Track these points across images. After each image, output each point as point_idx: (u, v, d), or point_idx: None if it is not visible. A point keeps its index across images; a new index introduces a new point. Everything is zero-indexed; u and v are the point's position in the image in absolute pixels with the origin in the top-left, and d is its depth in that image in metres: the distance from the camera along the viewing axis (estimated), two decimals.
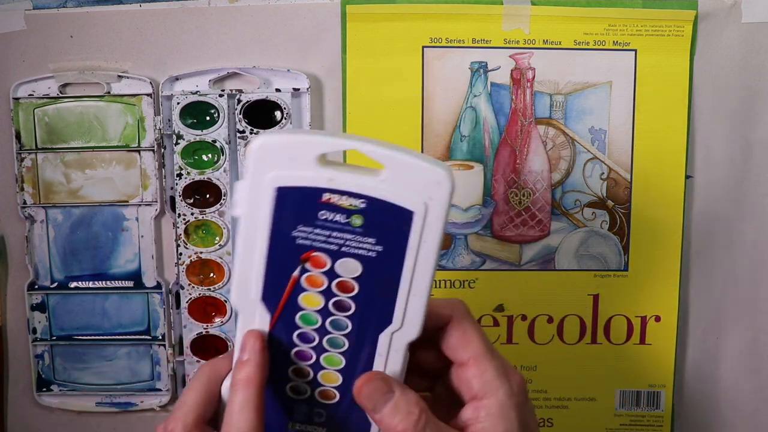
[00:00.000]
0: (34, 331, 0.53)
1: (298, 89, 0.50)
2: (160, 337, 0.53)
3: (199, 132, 0.50)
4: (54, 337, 0.53)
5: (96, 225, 0.52)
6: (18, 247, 0.53)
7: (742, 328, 0.53)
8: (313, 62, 0.50)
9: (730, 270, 0.53)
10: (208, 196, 0.51)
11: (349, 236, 0.30)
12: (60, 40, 0.50)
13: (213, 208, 0.50)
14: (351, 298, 0.31)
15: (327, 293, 0.31)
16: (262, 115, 0.50)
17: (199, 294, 0.51)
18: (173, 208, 0.51)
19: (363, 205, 0.30)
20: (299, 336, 0.32)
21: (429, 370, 0.35)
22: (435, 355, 0.34)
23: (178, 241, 0.51)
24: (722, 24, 0.49)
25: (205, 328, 0.52)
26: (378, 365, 0.32)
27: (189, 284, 0.51)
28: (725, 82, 0.50)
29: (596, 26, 0.49)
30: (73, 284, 0.53)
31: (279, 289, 0.31)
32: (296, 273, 0.31)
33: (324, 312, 0.31)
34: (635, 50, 0.49)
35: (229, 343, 0.52)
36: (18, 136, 0.51)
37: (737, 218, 0.52)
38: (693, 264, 0.52)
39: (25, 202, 0.51)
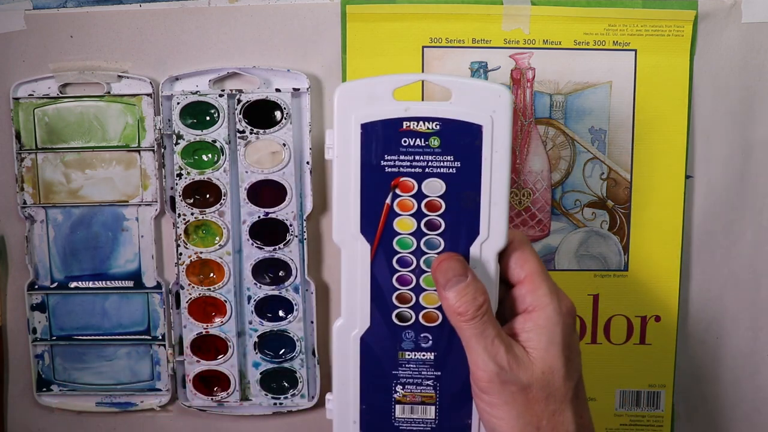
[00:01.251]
0: (34, 331, 0.53)
1: (298, 89, 0.50)
2: (160, 337, 0.53)
3: (199, 132, 0.50)
4: (54, 337, 0.53)
5: (96, 225, 0.52)
6: (18, 247, 0.53)
7: (742, 328, 0.53)
8: (313, 62, 0.50)
9: (730, 270, 0.53)
10: (208, 196, 0.51)
11: (429, 157, 0.34)
12: (60, 40, 0.50)
13: (213, 208, 0.50)
14: (439, 216, 0.34)
15: (418, 215, 0.34)
16: (262, 115, 0.50)
17: (199, 294, 0.51)
18: (173, 208, 0.51)
19: (438, 127, 0.34)
20: (398, 261, 0.35)
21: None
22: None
23: (178, 241, 0.51)
24: (722, 24, 0.49)
25: (205, 328, 0.52)
26: None
27: (189, 284, 0.51)
28: (725, 82, 0.50)
29: (596, 26, 0.49)
30: (73, 284, 0.53)
31: (375, 219, 0.34)
32: (388, 200, 0.34)
33: (417, 233, 0.35)
34: (635, 50, 0.49)
35: (228, 343, 0.52)
36: (18, 136, 0.51)
37: (737, 218, 0.52)
38: (693, 264, 0.52)
39: (25, 202, 0.51)
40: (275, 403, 0.53)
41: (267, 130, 0.50)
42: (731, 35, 0.50)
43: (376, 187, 0.34)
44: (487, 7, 0.49)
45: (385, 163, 0.34)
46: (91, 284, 0.52)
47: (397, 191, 0.34)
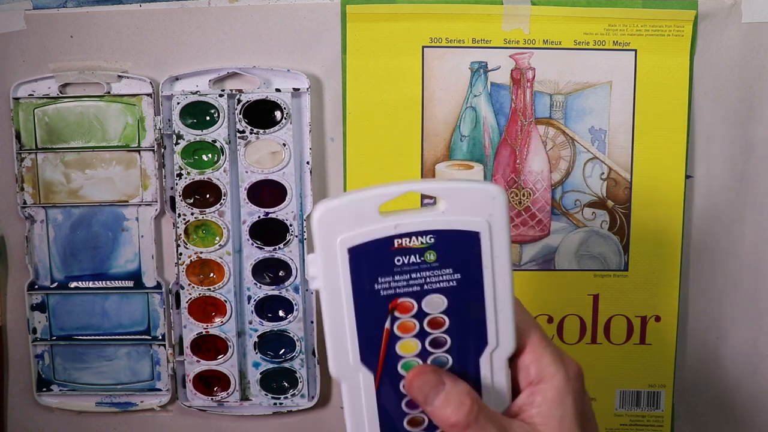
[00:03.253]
0: (34, 331, 0.53)
1: (298, 89, 0.50)
2: (160, 337, 0.53)
3: (199, 132, 0.50)
4: (54, 337, 0.53)
5: (96, 225, 0.52)
6: (18, 247, 0.53)
7: (742, 328, 0.53)
8: (313, 62, 0.50)
9: (730, 270, 0.53)
10: (208, 196, 0.51)
11: (427, 273, 0.31)
12: (60, 40, 0.50)
13: (213, 208, 0.50)
14: (444, 332, 0.32)
15: (421, 335, 0.32)
16: (262, 115, 0.50)
17: (199, 294, 0.51)
18: (173, 208, 0.51)
19: (433, 240, 0.31)
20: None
21: None
22: None
23: (178, 241, 0.51)
24: (722, 24, 0.49)
25: (205, 328, 0.52)
26: (486, 387, 0.32)
27: (189, 284, 0.51)
28: (725, 82, 0.50)
29: (596, 26, 0.49)
30: (73, 284, 0.53)
31: (376, 346, 0.32)
32: (387, 324, 0.31)
33: (423, 354, 0.32)
34: (635, 50, 0.49)
35: (228, 343, 0.52)
36: (18, 136, 0.51)
37: (737, 218, 0.52)
38: (693, 264, 0.52)
39: (25, 202, 0.51)
40: (275, 403, 0.53)
41: (267, 130, 0.50)
42: (731, 35, 0.50)
43: (372, 313, 0.31)
44: (487, 7, 0.49)
45: (379, 286, 0.31)
46: (91, 284, 0.52)
47: (396, 314, 0.31)
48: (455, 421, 0.31)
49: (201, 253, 0.51)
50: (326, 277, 0.31)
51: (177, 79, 0.50)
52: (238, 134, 0.50)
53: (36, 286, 0.53)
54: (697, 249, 0.52)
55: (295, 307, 0.51)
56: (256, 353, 0.52)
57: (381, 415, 0.32)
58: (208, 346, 0.52)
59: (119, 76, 0.50)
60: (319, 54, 0.50)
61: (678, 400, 0.54)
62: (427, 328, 0.32)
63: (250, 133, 0.50)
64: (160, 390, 0.53)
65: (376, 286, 0.31)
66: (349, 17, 0.49)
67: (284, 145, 0.50)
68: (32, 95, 0.50)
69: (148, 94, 0.50)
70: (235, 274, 0.51)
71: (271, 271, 0.52)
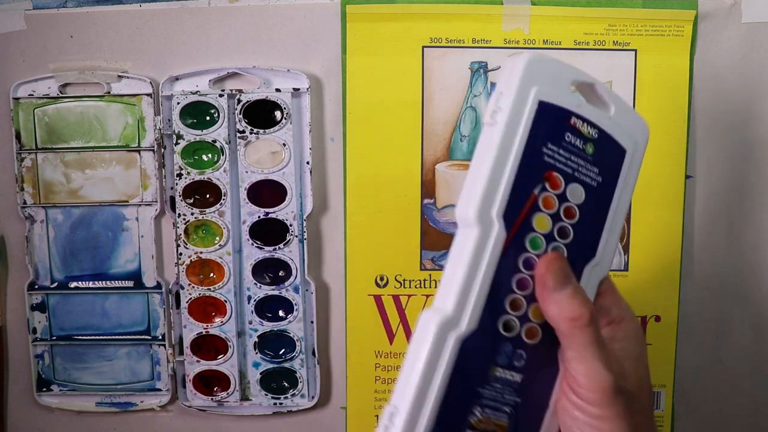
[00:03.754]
0: (34, 331, 0.53)
1: (298, 89, 0.50)
2: (160, 337, 0.53)
3: (199, 132, 0.50)
4: (54, 337, 0.53)
5: (96, 225, 0.52)
6: (18, 247, 0.53)
7: (742, 328, 0.53)
8: (313, 62, 0.50)
9: (730, 270, 0.53)
10: (208, 196, 0.51)
11: (582, 162, 0.32)
12: (60, 40, 0.50)
13: (213, 208, 0.50)
14: (572, 225, 0.32)
15: (555, 217, 0.32)
16: (262, 115, 0.50)
17: (199, 294, 0.51)
18: (173, 208, 0.51)
19: (596, 135, 0.32)
20: (524, 262, 0.31)
21: None
22: None
23: (178, 241, 0.51)
24: (722, 24, 0.49)
25: (205, 328, 0.52)
26: None
27: (189, 284, 0.51)
28: (725, 82, 0.50)
29: (596, 26, 0.49)
30: (73, 284, 0.53)
31: (519, 207, 0.31)
32: (536, 190, 0.31)
33: (549, 236, 0.32)
34: (635, 50, 0.49)
35: (228, 343, 0.52)
36: (18, 136, 0.51)
37: (737, 218, 0.52)
38: (693, 264, 0.52)
39: (25, 202, 0.51)
40: (275, 403, 0.53)
41: (267, 130, 0.50)
42: (731, 35, 0.50)
43: (530, 171, 0.31)
44: (487, 7, 0.49)
45: (546, 150, 0.31)
46: (91, 284, 0.52)
47: (547, 185, 0.31)
48: (580, 314, 0.30)
49: (201, 253, 0.51)
50: (511, 116, 0.30)
51: (177, 79, 0.50)
52: (238, 134, 0.50)
53: (36, 286, 0.53)
54: (697, 249, 0.52)
55: (295, 307, 0.51)
56: (256, 353, 0.52)
57: (495, 283, 0.30)
58: (208, 346, 0.52)
59: (119, 76, 0.50)
60: (319, 54, 0.50)
61: (678, 400, 0.54)
62: (562, 213, 0.32)
63: (250, 133, 0.50)
64: (160, 390, 0.53)
65: (544, 148, 0.31)
66: (349, 17, 0.49)
67: (284, 145, 0.50)
68: (32, 95, 0.50)
69: (148, 94, 0.50)
70: (235, 274, 0.51)
71: (271, 271, 0.52)
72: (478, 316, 0.30)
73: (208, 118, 0.50)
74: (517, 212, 0.31)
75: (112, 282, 0.52)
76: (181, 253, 0.51)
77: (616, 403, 0.30)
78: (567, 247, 0.32)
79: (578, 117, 0.32)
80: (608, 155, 0.33)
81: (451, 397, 0.29)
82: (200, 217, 0.51)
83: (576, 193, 0.32)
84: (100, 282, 0.53)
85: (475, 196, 0.30)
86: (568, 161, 0.32)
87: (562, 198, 0.32)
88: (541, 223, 0.31)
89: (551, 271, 0.31)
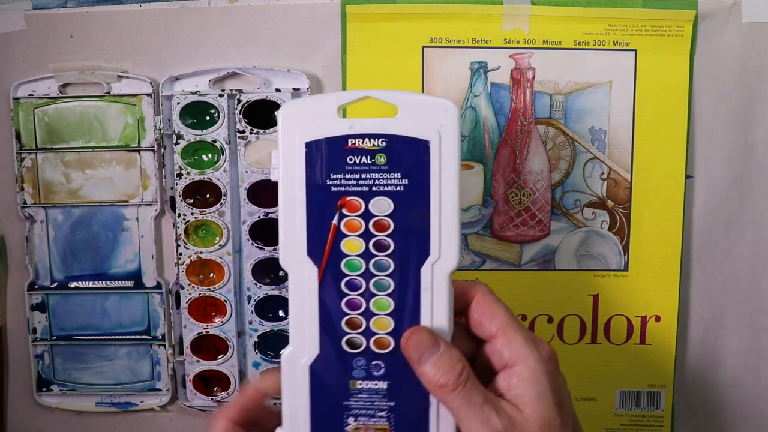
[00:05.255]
0: (34, 331, 0.53)
1: (298, 89, 0.50)
2: (160, 337, 0.53)
3: (199, 132, 0.50)
4: (54, 337, 0.53)
5: (96, 225, 0.52)
6: (18, 247, 0.53)
7: (742, 328, 0.53)
8: (313, 62, 0.50)
9: (730, 270, 0.53)
10: (208, 196, 0.51)
11: (376, 175, 0.33)
12: (60, 40, 0.50)
13: (213, 208, 0.50)
14: (388, 236, 0.33)
15: (366, 235, 0.33)
16: (262, 115, 0.50)
17: (199, 294, 0.51)
18: (173, 208, 0.51)
19: (384, 144, 0.33)
20: (347, 284, 0.34)
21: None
22: (467, 341, 0.35)
23: (178, 241, 0.51)
24: (722, 24, 0.49)
25: (205, 328, 0.52)
26: (425, 301, 0.33)
27: (189, 284, 0.51)
28: (725, 81, 0.50)
29: (596, 26, 0.49)
30: (73, 284, 0.53)
31: (322, 240, 0.33)
32: (335, 220, 0.33)
33: (366, 255, 0.33)
34: (635, 50, 0.49)
35: (228, 343, 0.52)
36: (18, 136, 0.51)
37: (737, 218, 0.52)
38: (693, 264, 0.52)
39: (25, 202, 0.51)
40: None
41: (267, 130, 0.50)
42: (731, 35, 0.50)
43: (322, 207, 0.33)
44: (487, 7, 0.49)
45: (330, 182, 0.33)
46: (91, 284, 0.52)
47: (344, 211, 0.33)
48: (444, 382, 0.32)
49: (201, 253, 0.51)
50: (284, 168, 0.33)
51: (177, 79, 0.50)
52: (238, 134, 0.50)
53: (36, 286, 0.53)
54: (697, 249, 0.52)
55: None
56: (256, 353, 0.52)
57: (321, 312, 0.34)
58: (208, 346, 0.52)
59: (119, 76, 0.50)
60: (319, 54, 0.50)
61: (678, 400, 0.54)
62: (372, 229, 0.33)
63: (250, 133, 0.50)
64: (160, 390, 0.53)
65: (327, 181, 0.33)
66: (349, 17, 0.49)
67: None
68: (32, 95, 0.50)
69: (148, 94, 0.50)
70: (235, 274, 0.51)
71: (271, 271, 0.52)
72: (317, 343, 0.34)
73: (208, 118, 0.50)
74: (323, 245, 0.33)
75: (112, 282, 0.52)
76: (181, 253, 0.51)
77: None
78: (391, 257, 0.33)
79: (355, 137, 0.33)
80: (407, 155, 0.33)
81: (319, 415, 0.34)
82: (200, 217, 0.51)
83: (381, 206, 0.33)
84: (100, 282, 0.53)
85: (281, 245, 0.33)
86: (359, 181, 0.33)
87: (367, 216, 0.33)
88: (352, 246, 0.33)
89: (411, 346, 0.33)
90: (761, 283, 0.53)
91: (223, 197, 0.50)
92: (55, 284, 0.53)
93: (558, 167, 0.51)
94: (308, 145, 0.33)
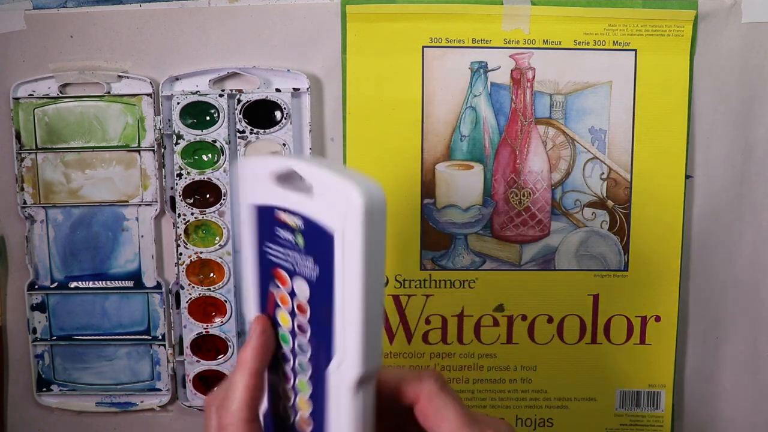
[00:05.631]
0: (34, 331, 0.53)
1: (298, 89, 0.50)
2: (160, 337, 0.53)
3: (199, 132, 0.50)
4: (54, 337, 0.53)
5: (96, 225, 0.52)
6: (18, 247, 0.53)
7: (742, 328, 0.53)
8: (313, 62, 0.50)
9: (730, 270, 0.53)
10: (208, 196, 0.51)
11: (297, 255, 0.29)
12: (60, 40, 0.50)
13: (213, 208, 0.50)
14: (308, 321, 0.29)
15: (292, 313, 0.30)
16: (262, 115, 0.50)
17: (199, 294, 0.51)
18: (173, 208, 0.51)
19: (302, 225, 0.28)
20: (282, 355, 0.31)
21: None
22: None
23: (178, 241, 0.51)
24: (722, 24, 0.49)
25: (205, 328, 0.52)
26: (330, 410, 0.29)
27: (189, 284, 0.51)
28: (725, 82, 0.50)
29: (596, 26, 0.49)
30: (73, 284, 0.53)
31: (266, 304, 0.32)
32: (272, 288, 0.31)
33: (292, 332, 0.30)
34: (635, 50, 0.49)
35: (228, 343, 0.52)
36: (18, 136, 0.51)
37: (737, 218, 0.52)
38: (693, 264, 0.52)
39: (25, 202, 0.51)
40: None
41: (267, 130, 0.50)
42: (731, 35, 0.50)
43: (263, 272, 0.31)
44: (487, 7, 0.49)
45: (267, 249, 0.30)
46: (91, 284, 0.52)
47: (277, 282, 0.30)
48: None
49: (201, 253, 0.51)
50: (239, 226, 0.32)
51: (177, 79, 0.50)
52: (238, 134, 0.50)
53: (36, 286, 0.53)
54: (697, 249, 0.52)
55: None
56: None
57: (269, 371, 0.32)
58: (208, 346, 0.52)
59: (119, 76, 0.50)
60: (319, 54, 0.50)
61: (678, 400, 0.54)
62: (296, 310, 0.30)
63: (250, 133, 0.50)
64: (160, 390, 0.53)
65: (264, 248, 0.31)
66: (349, 17, 0.49)
67: (284, 145, 0.50)
68: (32, 95, 0.50)
69: (148, 94, 0.50)
70: (235, 274, 0.51)
71: None
72: (266, 397, 0.32)
73: (208, 118, 0.50)
74: (265, 309, 0.32)
75: (112, 282, 0.52)
76: (181, 253, 0.51)
77: None
78: (310, 342, 0.30)
79: (282, 210, 0.29)
80: (318, 243, 0.28)
81: None
82: (200, 217, 0.51)
83: (302, 289, 0.29)
84: (100, 282, 0.53)
85: (243, 303, 0.32)
86: (287, 257, 0.29)
87: (293, 294, 0.30)
88: (284, 319, 0.31)
89: None
90: (761, 283, 0.53)
91: (223, 197, 0.50)
92: (55, 284, 0.53)
93: (558, 167, 0.51)
94: (255, 207, 0.31)
